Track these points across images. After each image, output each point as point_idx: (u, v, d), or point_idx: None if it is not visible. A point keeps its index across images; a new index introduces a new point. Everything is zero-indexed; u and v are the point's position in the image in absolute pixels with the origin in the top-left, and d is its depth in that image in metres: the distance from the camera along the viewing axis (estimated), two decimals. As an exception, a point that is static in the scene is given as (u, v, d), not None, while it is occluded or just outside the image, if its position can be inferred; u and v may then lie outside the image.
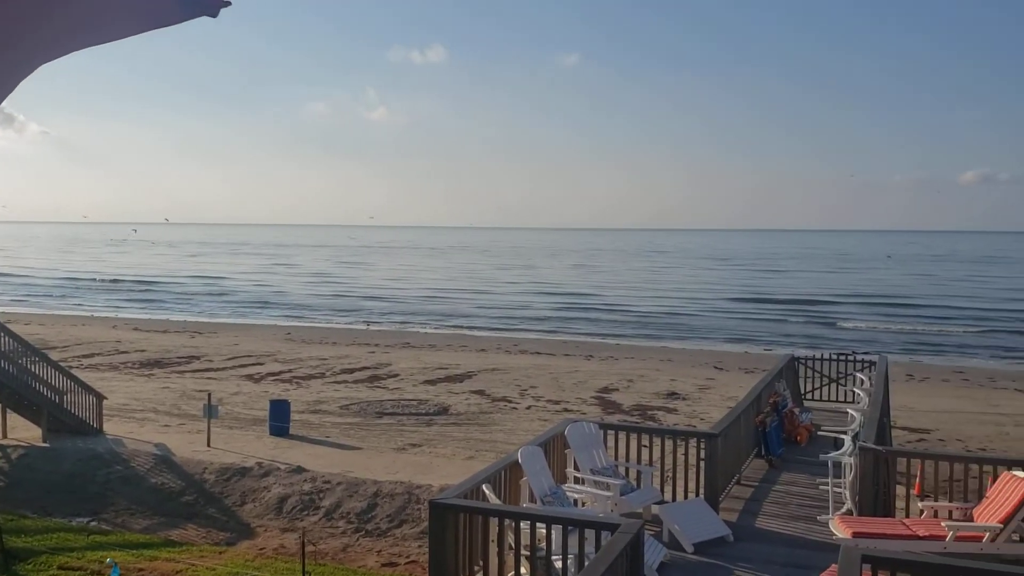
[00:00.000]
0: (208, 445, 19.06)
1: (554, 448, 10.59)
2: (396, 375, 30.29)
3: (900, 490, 11.71)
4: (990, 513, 9.06)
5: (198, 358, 33.52)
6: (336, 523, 15.21)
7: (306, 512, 15.61)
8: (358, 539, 14.72)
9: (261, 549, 14.41)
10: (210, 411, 19.24)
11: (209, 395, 20.27)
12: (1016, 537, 8.99)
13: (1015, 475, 9.16)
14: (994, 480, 9.61)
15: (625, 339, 47.00)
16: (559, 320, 56.04)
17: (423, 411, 24.06)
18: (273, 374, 29.97)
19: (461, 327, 51.75)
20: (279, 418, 20.46)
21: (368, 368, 31.72)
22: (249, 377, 29.20)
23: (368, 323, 52.85)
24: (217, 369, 30.94)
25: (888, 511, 10.63)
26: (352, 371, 30.95)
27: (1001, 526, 8.79)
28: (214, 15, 5.17)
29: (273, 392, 25.93)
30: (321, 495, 16.01)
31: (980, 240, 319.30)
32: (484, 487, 8.52)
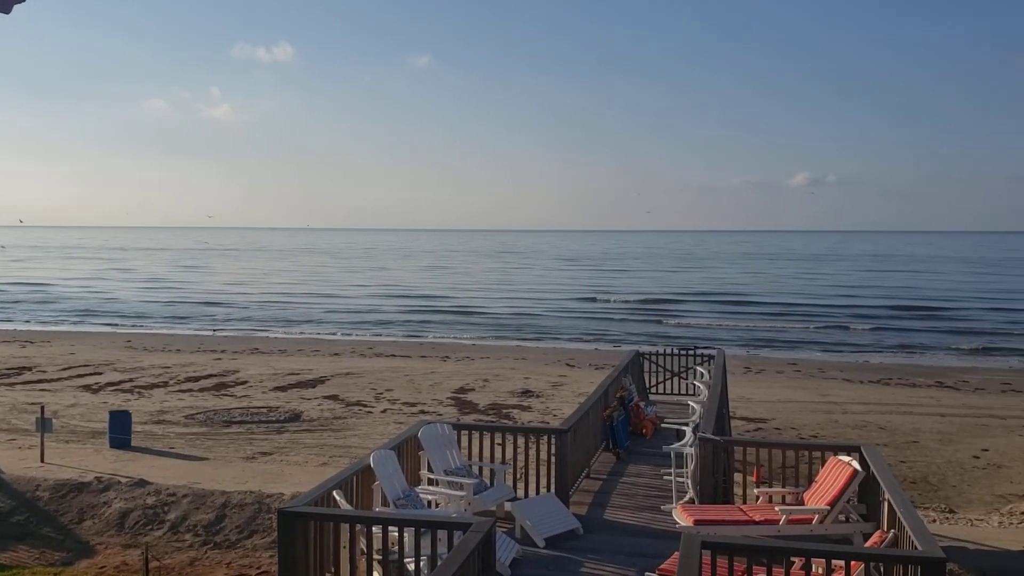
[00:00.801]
0: (42, 461, 17.99)
1: (408, 451, 10.58)
2: (245, 382, 29.47)
3: (743, 478, 12.31)
4: (819, 496, 9.65)
5: (29, 368, 31.59)
6: (183, 536, 14.68)
7: (150, 527, 14.99)
8: (206, 552, 14.25)
9: (101, 568, 13.75)
10: (43, 424, 18.16)
11: (42, 407, 19.14)
12: (843, 517, 9.61)
13: (840, 460, 9.80)
14: (823, 465, 10.24)
15: (481, 339, 47.36)
16: (415, 323, 55.87)
17: (274, 418, 23.52)
18: (112, 384, 28.59)
19: (313, 331, 50.86)
20: (120, 430, 19.54)
21: (215, 375, 30.72)
22: (86, 387, 27.74)
23: (215, 329, 51.17)
24: (51, 380, 29.24)
25: (728, 498, 11.17)
26: (198, 379, 29.90)
27: (828, 508, 9.38)
28: (7, 11, 4.92)
29: (113, 403, 24.73)
30: (166, 508, 15.41)
31: (810, 239, 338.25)
32: (335, 493, 8.43)
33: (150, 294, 74.67)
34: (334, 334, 49.30)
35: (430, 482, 10.49)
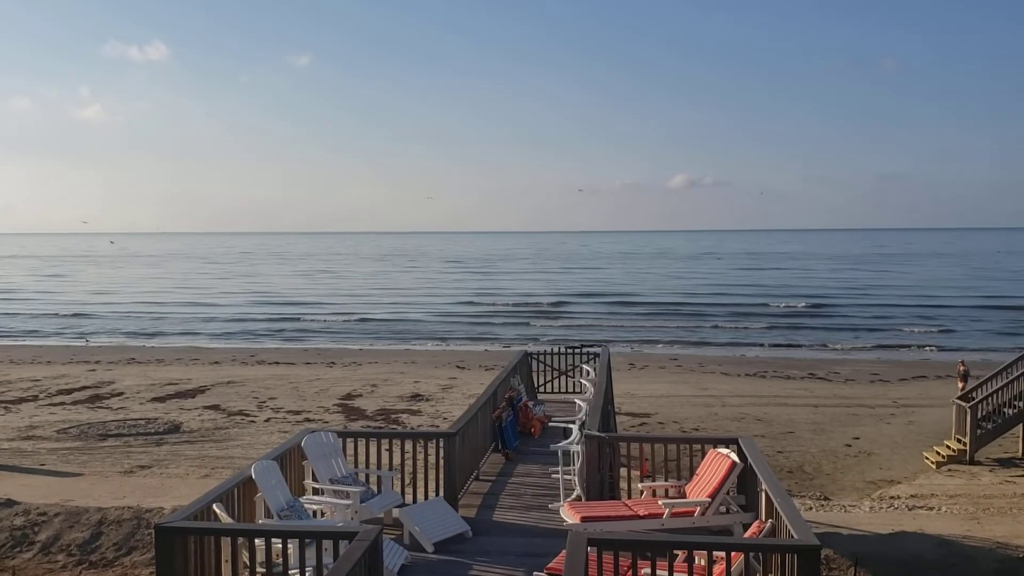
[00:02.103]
0: None
1: (291, 460, 10.36)
2: (121, 393, 28.35)
3: (628, 472, 12.53)
4: (700, 489, 9.90)
5: None
6: (55, 557, 13.99)
7: (18, 549, 14.23)
8: (80, 572, 13.63)
9: (-36, 596, 12.98)
10: None
11: None
12: (723, 509, 9.88)
13: (719, 452, 10.07)
14: (703, 458, 10.51)
15: (367, 343, 46.84)
16: (297, 330, 54.84)
17: (152, 430, 22.70)
18: (-25, 400, 27.07)
19: (192, 340, 49.29)
20: (-17, 449, 18.50)
21: (88, 387, 29.44)
22: (-55, 405, 26.19)
23: (87, 339, 49.02)
24: (-95, 399, 27.48)
25: (616, 494, 11.34)
26: (70, 391, 28.59)
27: (709, 500, 9.63)
28: None
29: (-25, 420, 23.43)
30: (36, 528, 14.66)
31: (687, 239, 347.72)
32: (215, 506, 8.18)
33: (10, 305, 70.61)
34: (213, 342, 47.90)
35: (315, 492, 10.29)
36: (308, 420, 24.14)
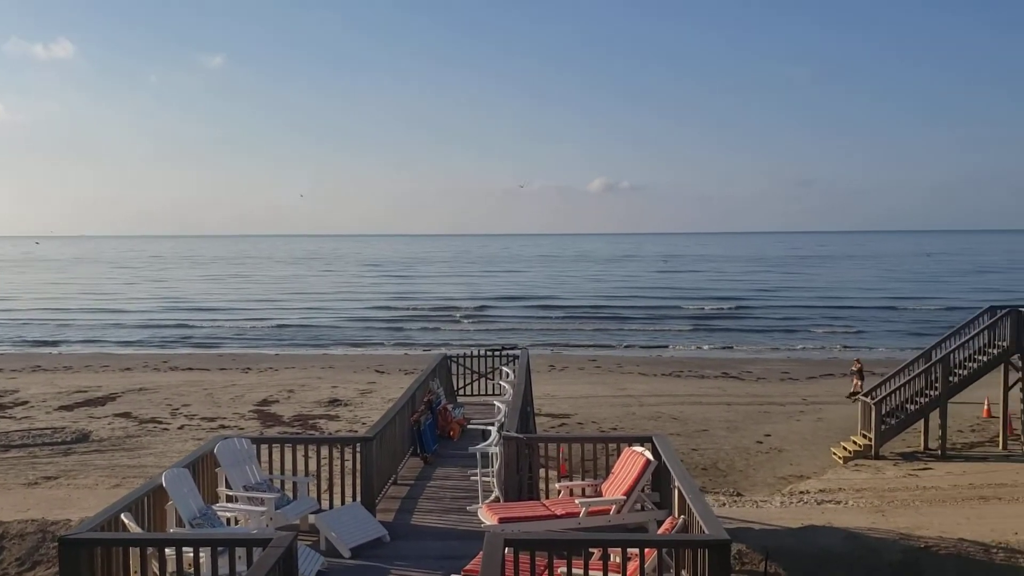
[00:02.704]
0: None
1: (204, 468, 10.15)
2: (25, 402, 27.36)
3: (546, 472, 12.62)
4: (616, 487, 10.04)
5: None
6: (-48, 576, 13.43)
7: (-87, 568, 13.62)
8: (-19, 590, 13.12)
9: None
10: None
11: None
12: (639, 506, 10.04)
13: (634, 450, 10.23)
14: (619, 456, 10.66)
15: (284, 348, 46.14)
16: (209, 336, 53.68)
17: (59, 440, 21.97)
18: None
19: (102, 346, 47.83)
20: None
21: (-10, 397, 28.32)
22: None
23: (-11, 347, 47.14)
24: None
25: (535, 494, 11.42)
26: (-30, 402, 27.46)
27: (625, 498, 9.78)
28: None
29: None
30: (-68, 546, 14.05)
31: (606, 241, 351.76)
32: (123, 516, 7.97)
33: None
34: (123, 348, 46.55)
35: (229, 499, 10.11)
36: (223, 427, 23.68)
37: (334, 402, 27.78)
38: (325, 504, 11.37)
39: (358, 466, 11.09)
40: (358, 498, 11.01)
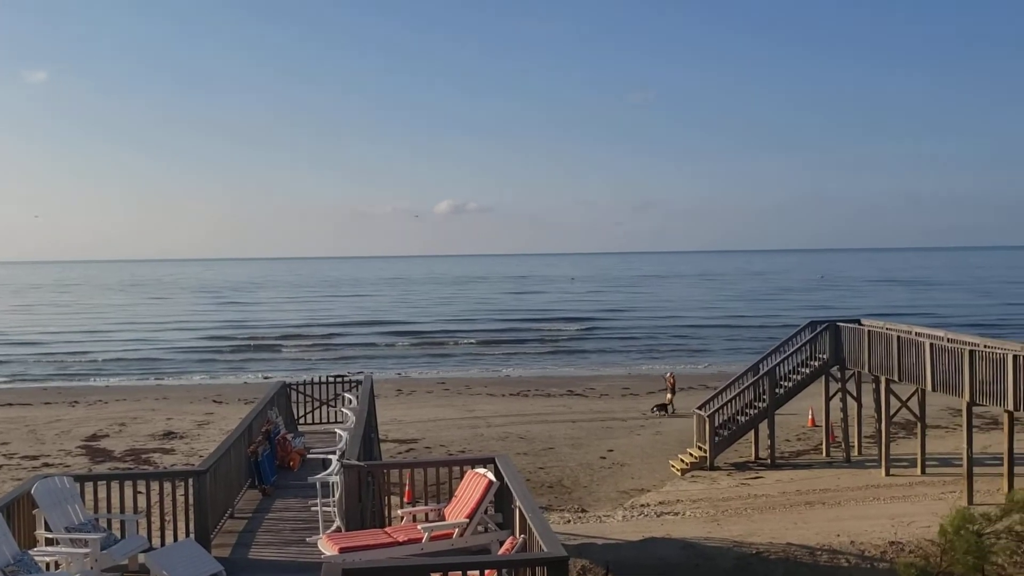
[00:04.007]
0: None
1: (19, 510, 9.49)
2: None
3: (390, 499, 12.47)
4: (459, 510, 10.04)
5: None
6: None
7: None
8: None
9: None
10: None
11: None
12: (482, 528, 10.07)
13: (477, 472, 10.27)
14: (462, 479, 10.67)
15: (114, 380, 43.86)
16: (28, 370, 50.41)
17: None
18: None
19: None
20: None
21: None
22: None
23: None
24: None
25: (383, 522, 11.26)
26: None
27: (468, 520, 9.79)
28: None
29: None
30: None
31: (455, 263, 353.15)
32: (-75, 568, 7.35)
33: None
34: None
35: (48, 542, 9.49)
36: (47, 465, 22.27)
37: (169, 435, 26.64)
38: (156, 542, 10.86)
39: (191, 501, 10.65)
40: (192, 534, 10.56)
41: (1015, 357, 16.50)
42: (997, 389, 16.93)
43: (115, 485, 10.88)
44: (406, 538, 9.63)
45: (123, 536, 10.18)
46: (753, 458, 22.70)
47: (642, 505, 18.93)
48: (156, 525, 11.07)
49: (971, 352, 17.70)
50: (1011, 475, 17.36)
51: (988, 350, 17.64)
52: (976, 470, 18.04)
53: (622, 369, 44.70)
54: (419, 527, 9.76)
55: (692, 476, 21.31)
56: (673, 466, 22.14)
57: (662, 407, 29.13)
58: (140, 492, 11.46)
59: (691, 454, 22.31)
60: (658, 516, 17.86)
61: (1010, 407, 16.67)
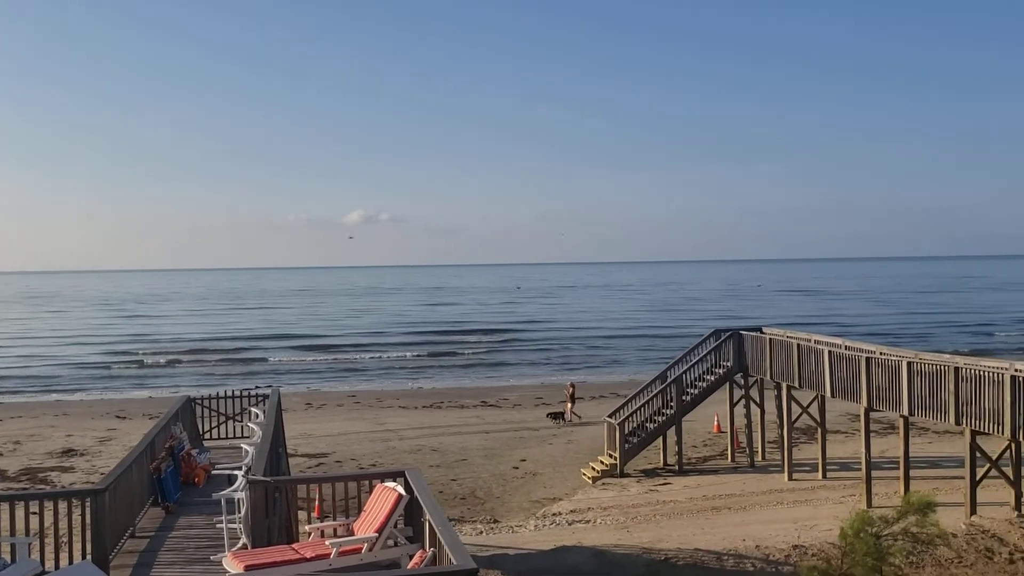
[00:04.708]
0: None
1: (-99, 536, 9.02)
2: None
3: (300, 515, 12.26)
4: (368, 525, 9.92)
5: None
6: None
7: None
8: None
9: None
10: None
11: None
12: (391, 542, 9.97)
13: (386, 486, 10.16)
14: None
15: (8, 396, 42.04)
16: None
17: None
18: None
19: None
20: None
21: None
22: None
23: None
24: None
25: (292, 538, 11.03)
26: None
27: (377, 535, 9.67)
28: None
29: None
30: None
31: (367, 274, 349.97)
32: None
33: None
34: None
35: (-69, 569, 9.04)
36: (-68, 488, 21.18)
37: (69, 452, 25.68)
38: (50, 565, 10.43)
39: (88, 521, 10.26)
40: (89, 556, 10.18)
41: (909, 364, 17.19)
42: (892, 395, 17.61)
43: (5, 506, 10.43)
44: (314, 554, 9.46)
45: (13, 560, 9.75)
46: (662, 464, 23.06)
47: (554, 514, 19.03)
48: (51, 548, 10.64)
49: (868, 359, 18.36)
50: (907, 478, 18.03)
51: (884, 357, 18.32)
52: (874, 473, 18.68)
53: (536, 379, 44.91)
54: (327, 543, 9.61)
55: (603, 484, 21.53)
56: (584, 474, 22.33)
57: (557, 415, 29.50)
58: (34, 513, 10.99)
59: (602, 462, 22.54)
60: (570, 524, 17.98)
61: (905, 412, 17.35)
